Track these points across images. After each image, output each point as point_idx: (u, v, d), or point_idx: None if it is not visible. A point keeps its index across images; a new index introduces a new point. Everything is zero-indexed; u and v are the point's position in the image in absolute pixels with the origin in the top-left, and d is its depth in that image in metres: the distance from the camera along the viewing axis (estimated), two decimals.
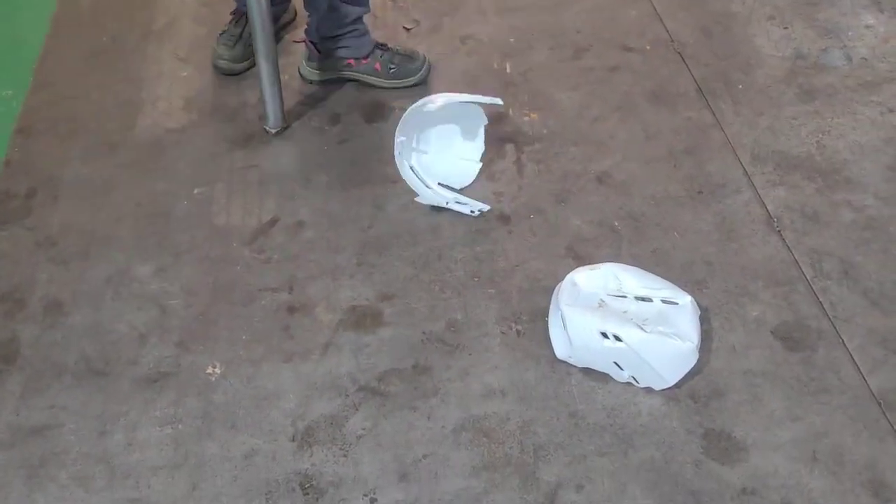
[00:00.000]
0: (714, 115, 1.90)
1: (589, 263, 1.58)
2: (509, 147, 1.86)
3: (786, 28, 2.14)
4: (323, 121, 1.97)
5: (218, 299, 1.59)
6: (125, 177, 1.85)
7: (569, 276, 1.46)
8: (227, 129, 1.95)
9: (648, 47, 2.11)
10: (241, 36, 2.07)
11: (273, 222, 1.74)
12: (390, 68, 2.00)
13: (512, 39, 2.17)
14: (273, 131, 1.93)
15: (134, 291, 1.61)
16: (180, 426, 1.40)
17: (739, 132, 1.86)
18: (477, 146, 1.80)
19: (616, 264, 1.47)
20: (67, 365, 1.50)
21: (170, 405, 1.43)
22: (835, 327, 1.47)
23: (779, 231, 1.64)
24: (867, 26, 2.12)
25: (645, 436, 1.34)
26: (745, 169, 1.77)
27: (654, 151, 1.83)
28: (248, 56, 2.05)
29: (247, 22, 1.91)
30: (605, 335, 1.36)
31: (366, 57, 2.00)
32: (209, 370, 1.48)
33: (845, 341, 1.45)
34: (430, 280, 1.60)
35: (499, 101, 1.70)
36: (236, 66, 2.09)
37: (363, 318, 1.54)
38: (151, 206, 1.79)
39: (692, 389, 1.40)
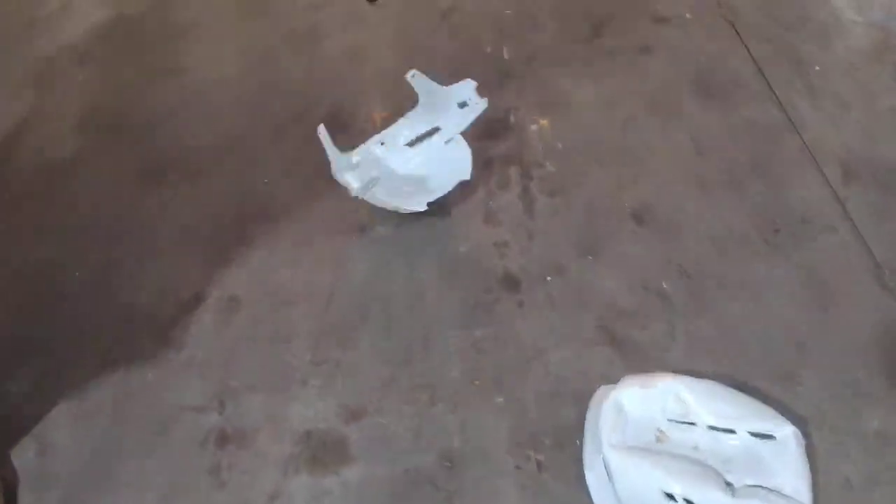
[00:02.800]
0: (784, 111, 1.42)
1: (630, 347, 1.15)
2: (513, 171, 1.39)
3: None
4: (266, 134, 1.49)
5: (120, 425, 1.15)
6: None
7: (612, 396, 1.02)
8: (135, 155, 1.48)
9: (688, 15, 1.61)
10: None
11: (197, 300, 1.28)
12: None
13: (509, 11, 1.67)
14: None
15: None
16: None
17: (822, 135, 1.38)
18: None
19: (678, 378, 1.02)
20: None
21: None
22: None
23: (892, 288, 1.18)
24: None
25: None
26: (835, 192, 1.30)
27: (707, 170, 1.35)
28: None
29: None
30: (670, 497, 0.92)
31: None
32: None
33: None
34: (414, 385, 1.15)
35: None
36: None
37: (322, 450, 1.11)
38: (32, 276, 1.34)
39: None
